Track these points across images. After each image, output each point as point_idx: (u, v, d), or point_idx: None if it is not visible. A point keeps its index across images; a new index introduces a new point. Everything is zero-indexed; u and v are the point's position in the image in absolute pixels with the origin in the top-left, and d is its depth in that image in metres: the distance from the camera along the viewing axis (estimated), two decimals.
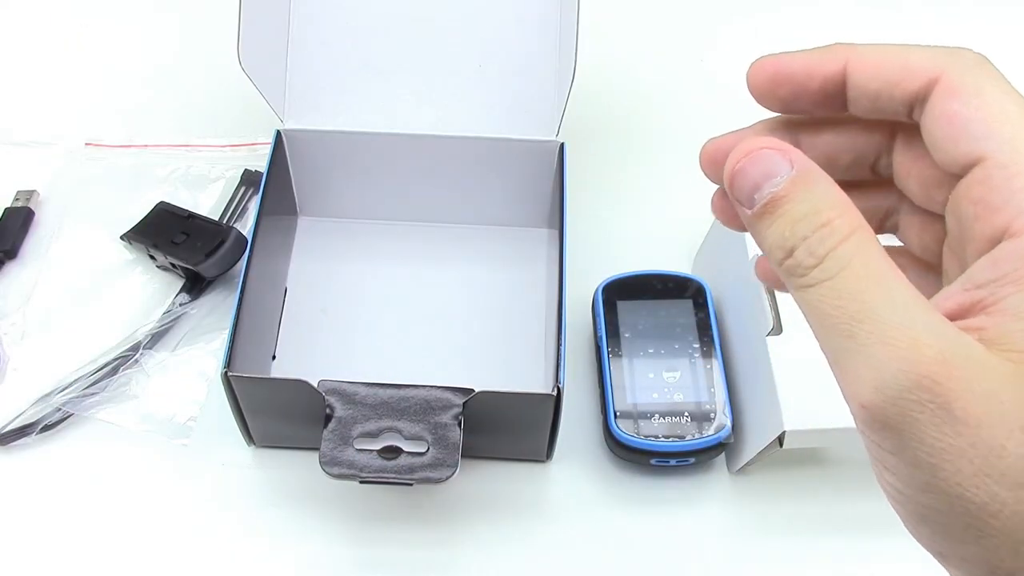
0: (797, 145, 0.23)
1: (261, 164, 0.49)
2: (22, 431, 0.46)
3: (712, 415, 0.44)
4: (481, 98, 0.50)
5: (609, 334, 0.47)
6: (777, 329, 0.42)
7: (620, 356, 0.46)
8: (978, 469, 0.17)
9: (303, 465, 0.45)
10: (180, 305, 0.50)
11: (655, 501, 0.46)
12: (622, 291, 0.49)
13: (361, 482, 0.40)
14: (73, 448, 0.46)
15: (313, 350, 0.49)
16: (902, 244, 0.25)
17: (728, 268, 0.48)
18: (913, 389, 0.18)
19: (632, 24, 0.67)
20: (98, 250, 0.53)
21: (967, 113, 0.20)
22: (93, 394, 0.47)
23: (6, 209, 0.54)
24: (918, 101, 0.22)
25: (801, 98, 0.23)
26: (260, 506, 0.45)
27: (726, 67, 0.66)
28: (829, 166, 0.21)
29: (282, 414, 0.43)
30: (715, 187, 0.26)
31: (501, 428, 0.43)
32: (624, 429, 0.44)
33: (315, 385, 0.41)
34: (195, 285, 0.51)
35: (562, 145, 0.49)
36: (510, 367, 0.49)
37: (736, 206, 0.22)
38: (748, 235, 0.45)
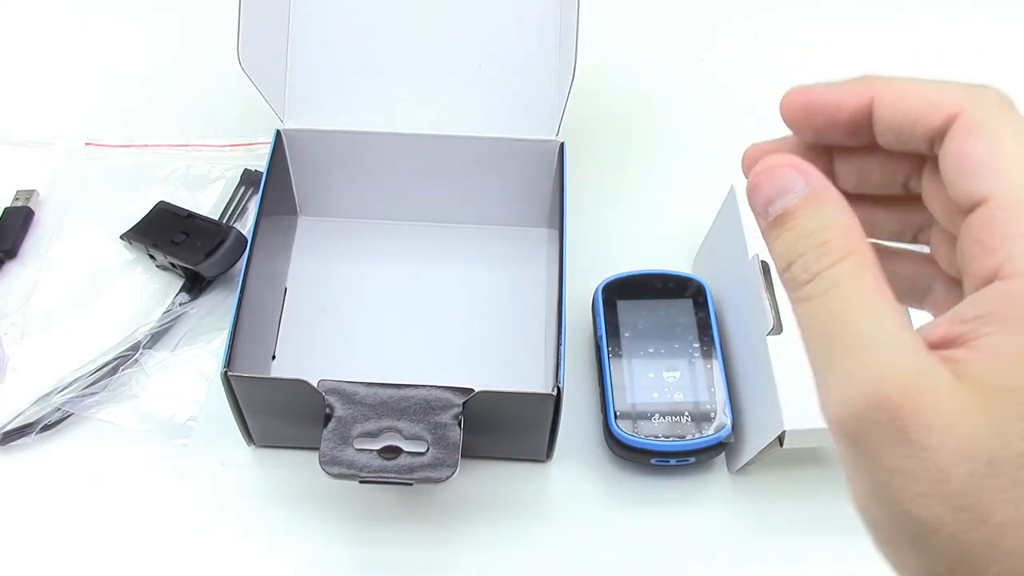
0: (830, 161, 0.24)
1: (261, 164, 0.49)
2: (22, 431, 0.46)
3: (712, 415, 0.44)
4: (481, 98, 0.50)
5: (609, 334, 0.47)
6: (777, 329, 0.42)
7: (620, 356, 0.46)
8: (924, 490, 0.19)
9: (303, 465, 0.45)
10: (180, 305, 0.50)
11: (655, 501, 0.46)
12: (622, 291, 0.49)
13: (361, 482, 0.40)
14: (73, 448, 0.46)
15: (313, 350, 0.49)
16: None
17: (728, 268, 0.48)
18: (875, 409, 0.19)
19: (632, 24, 0.67)
20: (98, 250, 0.53)
21: (978, 153, 0.21)
22: (93, 394, 0.47)
23: (6, 209, 0.54)
24: (938, 137, 0.22)
25: (832, 129, 0.24)
26: (260, 506, 0.45)
27: (726, 67, 0.66)
28: (861, 182, 0.22)
29: (282, 414, 0.43)
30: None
31: (501, 428, 0.43)
32: (624, 429, 0.44)
33: (315, 385, 0.41)
34: (195, 285, 0.51)
35: (562, 145, 0.49)
36: (510, 367, 0.49)
37: (755, 216, 0.23)
38: (748, 235, 0.45)
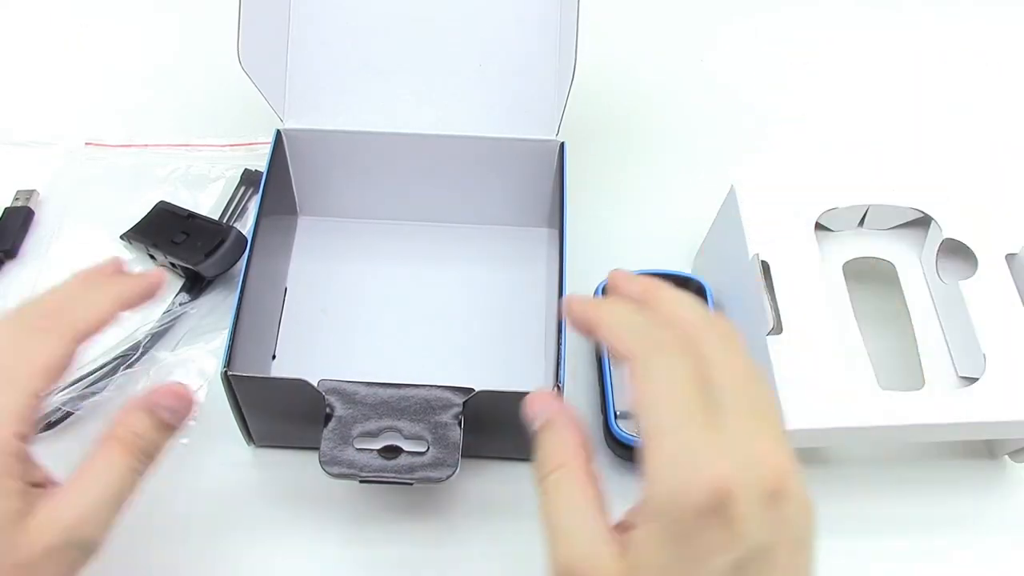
0: None
1: (261, 164, 0.49)
2: None
3: None
4: (481, 98, 0.50)
5: None
6: (777, 329, 0.42)
7: None
8: None
9: (303, 465, 0.45)
10: (180, 305, 0.50)
11: None
12: None
13: (361, 482, 0.40)
14: (73, 448, 0.46)
15: (313, 350, 0.49)
16: None
17: (728, 268, 0.48)
18: (563, 572, 0.29)
19: (632, 24, 0.68)
20: (98, 250, 0.53)
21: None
22: (93, 394, 0.47)
23: (6, 209, 0.54)
24: None
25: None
26: (260, 506, 0.45)
27: (726, 67, 0.66)
28: None
29: (282, 413, 0.43)
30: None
31: (501, 428, 0.43)
32: (624, 429, 0.44)
33: (315, 384, 0.41)
34: (195, 285, 0.51)
35: (562, 145, 0.49)
36: (510, 367, 0.49)
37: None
38: (748, 235, 0.45)
